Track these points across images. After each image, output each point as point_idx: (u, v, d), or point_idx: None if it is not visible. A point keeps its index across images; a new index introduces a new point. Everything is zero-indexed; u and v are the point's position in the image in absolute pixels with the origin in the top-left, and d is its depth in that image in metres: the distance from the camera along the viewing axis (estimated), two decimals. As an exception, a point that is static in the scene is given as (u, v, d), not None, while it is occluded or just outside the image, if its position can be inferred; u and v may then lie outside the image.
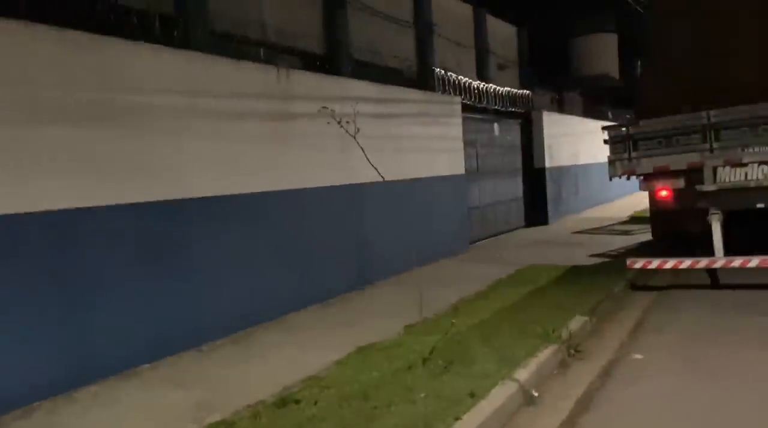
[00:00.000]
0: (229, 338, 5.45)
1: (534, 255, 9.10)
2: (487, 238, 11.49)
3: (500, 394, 3.70)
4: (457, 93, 11.18)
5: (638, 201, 17.07)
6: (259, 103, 6.05)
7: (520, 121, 13.54)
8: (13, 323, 4.06)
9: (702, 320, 5.57)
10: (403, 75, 10.32)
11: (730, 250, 6.45)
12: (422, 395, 3.69)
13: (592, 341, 5.07)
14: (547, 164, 13.86)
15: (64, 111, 4.38)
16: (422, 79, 10.74)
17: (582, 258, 8.70)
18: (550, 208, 13.86)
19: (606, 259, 8.63)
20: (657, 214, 7.65)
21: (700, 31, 7.49)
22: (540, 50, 17.44)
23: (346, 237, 7.31)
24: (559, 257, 8.78)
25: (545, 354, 4.43)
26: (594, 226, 12.65)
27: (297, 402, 3.72)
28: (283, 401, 3.75)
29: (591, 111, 19.67)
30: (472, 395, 3.63)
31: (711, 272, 6.82)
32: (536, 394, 3.94)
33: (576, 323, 5.16)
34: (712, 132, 6.60)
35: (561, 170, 14.64)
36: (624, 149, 7.11)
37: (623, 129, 7.25)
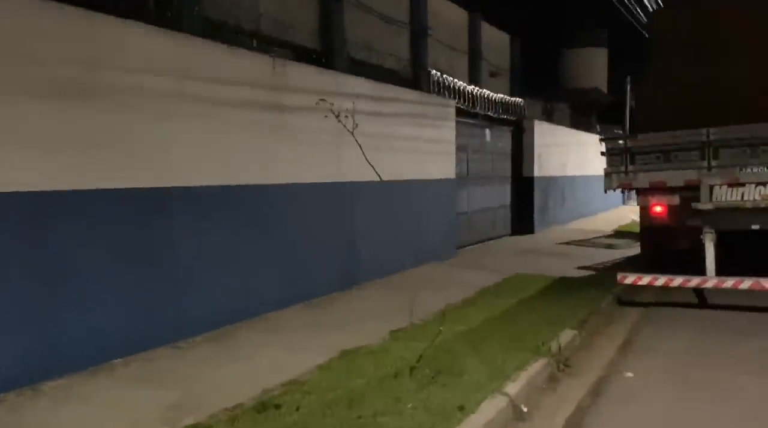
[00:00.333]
0: (209, 335, 5.23)
1: (520, 264, 9.02)
2: (473, 244, 11.38)
3: (490, 408, 3.57)
4: (451, 96, 11.06)
5: (622, 215, 17.17)
6: (252, 93, 5.85)
7: (511, 128, 13.47)
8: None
9: (694, 340, 5.50)
10: (398, 75, 10.17)
11: (719, 270, 6.40)
12: (409, 406, 3.53)
13: (581, 355, 4.97)
14: (536, 173, 13.81)
15: (42, 85, 4.12)
16: (417, 79, 10.62)
17: (568, 269, 8.62)
18: (536, 217, 13.81)
19: (592, 272, 8.57)
20: (649, 229, 7.59)
21: (701, 48, 7.47)
22: (531, 60, 17.48)
23: (335, 236, 7.13)
24: (545, 267, 8.70)
25: (535, 367, 4.31)
26: (579, 238, 12.63)
27: (277, 407, 3.54)
28: (263, 405, 3.56)
29: (579, 123, 19.72)
30: (461, 408, 3.49)
31: (699, 291, 6.77)
32: (525, 409, 3.81)
33: (565, 336, 5.06)
34: (711, 150, 6.57)
35: (549, 180, 14.60)
36: (621, 162, 7.05)
37: (621, 142, 7.19)
